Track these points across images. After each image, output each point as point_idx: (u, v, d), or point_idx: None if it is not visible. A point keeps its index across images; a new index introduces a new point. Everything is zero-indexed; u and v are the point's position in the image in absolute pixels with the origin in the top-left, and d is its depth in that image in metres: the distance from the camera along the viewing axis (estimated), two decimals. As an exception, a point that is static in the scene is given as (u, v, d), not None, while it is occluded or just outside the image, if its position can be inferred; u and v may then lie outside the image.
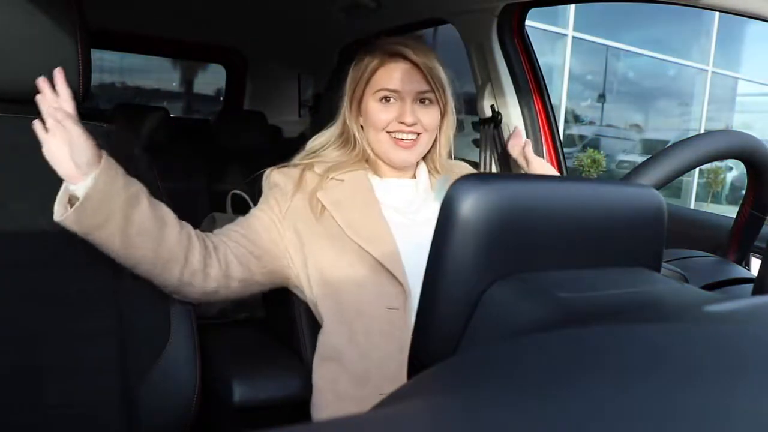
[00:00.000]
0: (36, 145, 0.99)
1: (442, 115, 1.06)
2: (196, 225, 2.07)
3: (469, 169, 1.19)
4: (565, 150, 1.69)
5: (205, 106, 4.59)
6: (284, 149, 2.29)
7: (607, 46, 9.30)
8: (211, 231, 1.89)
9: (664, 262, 0.59)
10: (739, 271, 0.81)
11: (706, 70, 10.14)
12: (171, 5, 2.06)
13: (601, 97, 9.97)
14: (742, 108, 11.30)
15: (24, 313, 0.91)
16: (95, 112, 2.50)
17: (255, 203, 1.94)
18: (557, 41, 8.24)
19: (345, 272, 0.96)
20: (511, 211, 0.40)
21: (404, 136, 1.02)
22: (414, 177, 1.09)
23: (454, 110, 1.08)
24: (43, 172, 0.97)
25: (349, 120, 1.06)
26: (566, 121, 9.12)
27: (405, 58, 1.01)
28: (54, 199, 0.95)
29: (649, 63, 9.94)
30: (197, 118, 4.08)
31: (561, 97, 8.51)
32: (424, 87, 1.02)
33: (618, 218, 0.46)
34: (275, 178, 1.05)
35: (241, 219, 1.03)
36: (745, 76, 11.22)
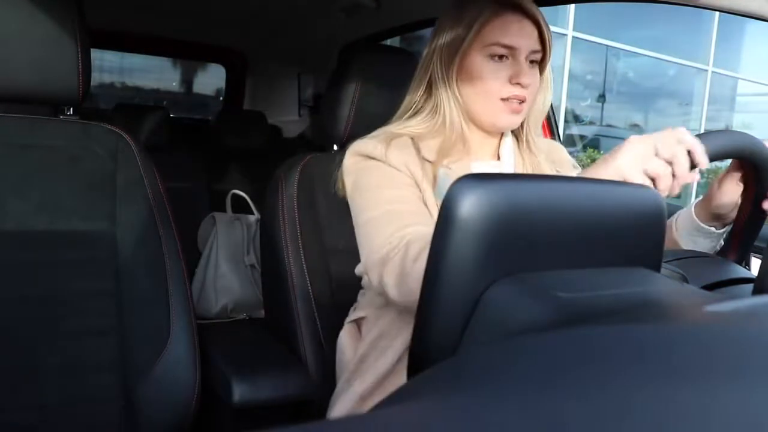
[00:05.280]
0: (36, 145, 0.99)
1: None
2: (196, 225, 2.08)
3: (564, 153, 1.07)
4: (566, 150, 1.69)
5: (205, 106, 4.59)
6: (284, 149, 2.29)
7: (607, 46, 9.30)
8: (210, 231, 1.90)
9: (664, 262, 0.59)
10: (739, 271, 0.81)
11: (706, 70, 10.14)
12: (171, 5, 2.06)
13: (601, 97, 9.96)
14: (742, 108, 11.30)
15: (24, 313, 0.91)
16: (95, 112, 2.50)
17: (255, 203, 1.96)
18: (557, 41, 8.23)
19: None
20: (511, 211, 0.40)
21: (517, 100, 0.90)
22: (498, 158, 0.97)
23: (551, 77, 0.98)
24: (43, 172, 0.97)
25: (447, 82, 0.91)
26: (566, 121, 9.11)
27: (522, 10, 0.89)
28: (53, 199, 0.95)
29: (649, 63, 9.93)
30: (197, 118, 4.08)
31: (561, 97, 8.51)
32: (538, 46, 0.91)
33: (618, 218, 0.46)
34: (356, 159, 0.91)
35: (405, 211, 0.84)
36: (745, 76, 11.23)
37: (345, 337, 1.02)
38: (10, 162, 0.96)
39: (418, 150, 0.90)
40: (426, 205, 0.87)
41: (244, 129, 2.29)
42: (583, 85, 9.77)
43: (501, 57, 0.89)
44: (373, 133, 0.95)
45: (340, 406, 0.96)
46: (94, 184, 0.99)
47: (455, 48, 0.90)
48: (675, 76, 10.59)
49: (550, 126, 1.56)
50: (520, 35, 0.89)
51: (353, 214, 0.91)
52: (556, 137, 1.58)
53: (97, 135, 1.02)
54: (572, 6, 7.75)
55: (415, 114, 0.95)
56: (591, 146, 9.23)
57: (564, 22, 8.19)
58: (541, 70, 0.94)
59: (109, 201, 0.99)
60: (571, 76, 8.68)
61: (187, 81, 4.39)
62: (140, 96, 4.30)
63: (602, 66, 9.79)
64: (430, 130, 0.93)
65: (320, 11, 1.88)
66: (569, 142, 9.11)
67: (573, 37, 8.31)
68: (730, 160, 0.83)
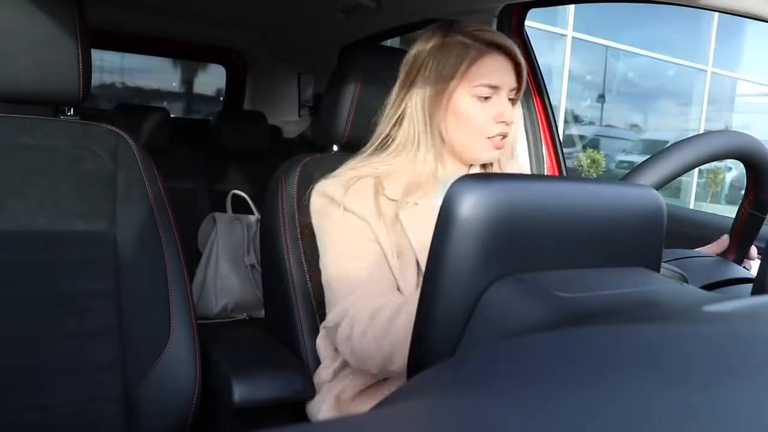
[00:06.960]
0: (36, 145, 0.99)
1: None
2: (196, 225, 2.08)
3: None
4: (565, 150, 1.69)
5: (206, 107, 4.59)
6: (284, 149, 2.28)
7: (607, 46, 9.31)
8: (211, 231, 1.90)
9: (664, 262, 0.59)
10: (739, 271, 0.82)
11: (706, 70, 10.14)
12: (171, 5, 2.06)
13: (601, 97, 9.97)
14: (742, 108, 11.30)
15: (24, 313, 0.91)
16: (95, 112, 2.50)
17: (255, 203, 1.96)
18: (557, 41, 8.24)
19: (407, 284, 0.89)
20: (511, 211, 0.40)
21: (501, 136, 0.92)
22: None
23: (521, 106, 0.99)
24: (44, 173, 0.98)
25: (428, 119, 0.91)
26: (566, 121, 9.12)
27: (504, 49, 0.91)
28: (53, 199, 0.95)
29: (648, 63, 9.94)
30: (197, 118, 4.07)
31: (561, 97, 8.51)
32: (516, 84, 0.93)
33: (618, 218, 0.46)
34: (319, 200, 0.93)
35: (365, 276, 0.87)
36: (744, 76, 11.23)
37: (321, 347, 1.03)
38: (11, 162, 0.96)
39: (379, 190, 0.91)
40: (381, 245, 0.88)
41: (245, 129, 2.29)
42: (582, 85, 9.78)
43: (486, 97, 0.91)
44: (340, 170, 0.95)
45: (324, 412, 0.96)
46: (94, 184, 0.99)
47: (442, 87, 0.90)
48: (674, 76, 10.60)
49: (549, 126, 1.56)
50: (503, 74, 0.91)
51: (320, 252, 0.94)
52: (556, 137, 1.58)
53: (98, 135, 1.02)
54: (572, 6, 7.76)
55: (383, 147, 0.95)
56: (591, 146, 9.23)
57: (564, 22, 8.19)
58: (514, 103, 0.96)
59: (109, 201, 0.99)
60: (570, 77, 8.69)
61: (188, 81, 4.39)
62: (140, 96, 4.30)
63: (602, 66, 9.80)
64: (397, 166, 0.93)
65: (320, 11, 1.88)
66: (569, 142, 9.13)
67: (573, 37, 8.31)
68: (728, 161, 0.83)
